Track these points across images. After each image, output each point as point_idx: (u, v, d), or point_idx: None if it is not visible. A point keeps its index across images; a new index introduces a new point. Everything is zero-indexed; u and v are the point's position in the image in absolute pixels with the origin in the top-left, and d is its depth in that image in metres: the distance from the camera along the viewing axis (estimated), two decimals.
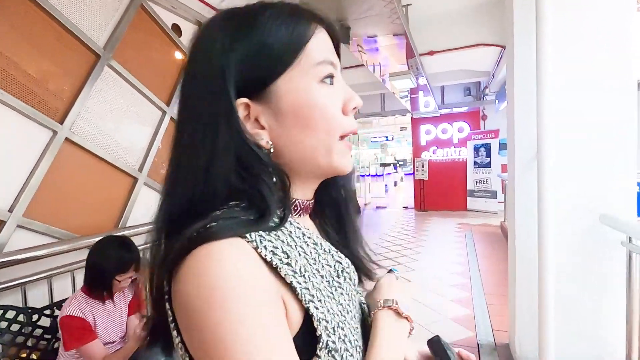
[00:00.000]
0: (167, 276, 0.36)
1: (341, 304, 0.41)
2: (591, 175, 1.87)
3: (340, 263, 0.45)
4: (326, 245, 0.46)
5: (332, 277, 0.43)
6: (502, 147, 8.14)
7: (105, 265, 1.40)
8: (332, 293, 0.41)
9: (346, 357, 0.38)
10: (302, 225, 0.45)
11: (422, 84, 8.39)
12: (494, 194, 7.93)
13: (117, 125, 2.32)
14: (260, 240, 0.36)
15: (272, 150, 0.41)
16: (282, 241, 0.39)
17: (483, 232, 6.10)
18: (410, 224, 7.31)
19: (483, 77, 6.06)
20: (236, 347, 0.31)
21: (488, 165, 8.04)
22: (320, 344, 0.36)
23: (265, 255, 0.36)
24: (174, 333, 0.37)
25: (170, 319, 0.37)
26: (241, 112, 0.40)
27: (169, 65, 2.78)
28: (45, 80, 1.93)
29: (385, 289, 0.51)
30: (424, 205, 8.83)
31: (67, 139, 2.01)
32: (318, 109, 0.40)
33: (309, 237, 0.43)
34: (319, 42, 0.42)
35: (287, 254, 0.38)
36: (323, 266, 0.42)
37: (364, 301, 0.53)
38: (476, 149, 8.23)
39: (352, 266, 0.48)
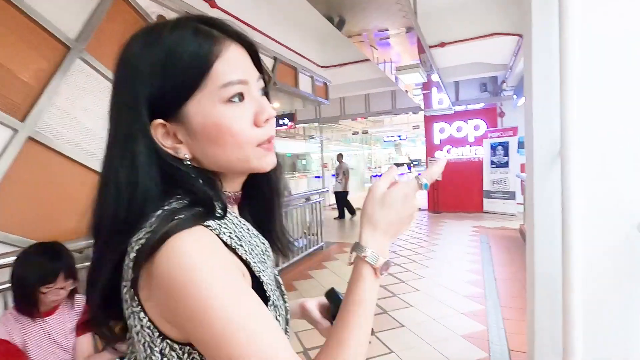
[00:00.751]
0: (138, 267, 0.40)
1: (268, 275, 0.50)
2: (626, 176, 1.57)
3: (264, 244, 0.54)
4: (253, 230, 0.53)
5: (261, 255, 0.51)
6: (521, 145, 7.69)
7: (25, 275, 1.22)
8: (264, 266, 0.50)
9: (280, 311, 0.50)
10: (235, 214, 0.52)
11: (435, 80, 8.07)
12: (512, 195, 7.51)
13: (92, 123, 2.12)
14: (219, 227, 0.44)
15: (189, 162, 0.47)
16: (231, 228, 0.46)
17: (500, 236, 5.73)
18: (422, 227, 6.98)
19: (500, 70, 5.68)
20: (224, 312, 0.37)
21: (506, 164, 7.62)
22: (270, 301, 0.47)
23: (226, 240, 0.43)
24: (141, 315, 0.41)
25: (135, 304, 0.41)
26: (160, 130, 0.45)
27: None
28: (2, 74, 1.76)
29: (374, 214, 0.51)
30: (438, 206, 8.46)
31: (30, 138, 1.84)
32: (224, 128, 0.45)
33: (243, 224, 0.51)
34: (227, 61, 0.45)
35: (238, 237, 0.46)
36: (255, 247, 0.51)
37: (277, 273, 0.59)
38: (493, 148, 7.82)
39: (270, 247, 0.57)
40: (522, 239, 5.40)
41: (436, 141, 8.58)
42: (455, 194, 8.34)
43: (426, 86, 8.26)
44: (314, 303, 0.67)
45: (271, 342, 0.38)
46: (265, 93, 0.52)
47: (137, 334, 0.42)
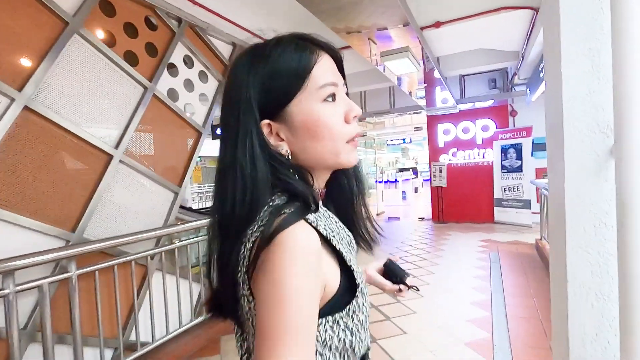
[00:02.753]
0: (256, 255, 0.46)
1: (354, 263, 0.55)
2: None
3: (349, 236, 0.59)
4: (340, 223, 0.58)
5: (347, 245, 0.55)
6: (537, 147, 6.83)
7: None
8: (350, 257, 0.54)
9: (366, 297, 0.55)
10: (324, 208, 0.57)
11: (437, 77, 7.30)
12: (526, 204, 6.64)
13: (90, 98, 2.15)
14: (316, 220, 0.50)
15: (289, 156, 0.54)
16: (325, 221, 0.52)
17: (513, 254, 4.88)
18: (423, 240, 6.17)
19: (510, 60, 4.89)
20: (289, 313, 0.42)
21: (519, 169, 6.76)
22: (358, 287, 0.52)
23: (322, 232, 0.49)
24: (249, 299, 0.48)
25: (246, 287, 0.49)
26: (266, 130, 0.53)
27: (154, 38, 2.58)
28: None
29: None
30: (443, 216, 7.63)
31: (26, 107, 1.84)
32: (321, 123, 0.53)
33: (331, 217, 0.56)
34: (322, 67, 0.53)
35: (331, 229, 0.52)
36: (342, 238, 0.55)
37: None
38: (504, 151, 6.97)
39: (354, 238, 0.61)
40: (540, 256, 4.56)
41: (440, 144, 7.77)
42: (462, 202, 7.49)
43: (428, 84, 7.51)
44: (374, 269, 0.83)
45: (306, 347, 0.43)
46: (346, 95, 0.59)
47: (246, 313, 0.50)
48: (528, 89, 4.90)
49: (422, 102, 7.43)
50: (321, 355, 0.49)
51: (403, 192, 12.05)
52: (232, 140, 0.51)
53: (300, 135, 0.53)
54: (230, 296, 0.51)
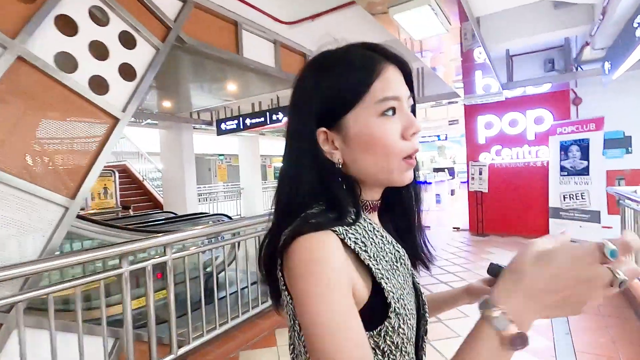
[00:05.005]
0: (281, 254, 0.49)
1: (399, 282, 0.53)
2: None
3: (399, 252, 0.57)
4: (389, 237, 0.57)
5: (392, 262, 0.54)
6: (610, 144, 5.36)
7: None
8: (393, 273, 0.53)
9: (406, 320, 0.51)
10: (372, 221, 0.57)
11: (479, 61, 6.00)
12: (594, 216, 5.19)
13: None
14: (346, 233, 0.49)
15: (340, 165, 0.54)
16: (360, 234, 0.51)
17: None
18: (458, 258, 4.96)
19: (580, 25, 3.59)
20: (316, 306, 0.44)
21: (584, 171, 5.32)
22: (391, 308, 0.49)
23: (350, 244, 0.48)
24: (285, 293, 0.51)
25: (281, 283, 0.51)
26: (322, 137, 0.53)
27: None
28: None
29: (523, 269, 0.42)
30: (483, 227, 6.31)
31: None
32: (376, 138, 0.51)
33: (377, 231, 0.55)
34: (384, 80, 0.52)
35: (364, 243, 0.51)
36: (387, 253, 0.54)
37: (417, 280, 0.61)
38: (564, 148, 5.55)
39: (407, 254, 0.58)
40: (622, 293, 3.24)
41: (480, 140, 6.44)
42: (508, 210, 6.14)
43: (466, 67, 6.23)
44: (480, 283, 0.69)
45: (341, 348, 0.42)
46: (413, 110, 0.57)
47: (285, 306, 0.53)
48: (607, 64, 3.57)
49: (459, 91, 6.18)
50: None
51: (437, 194, 10.71)
52: (289, 144, 0.55)
53: (353, 147, 0.53)
54: (273, 290, 0.56)
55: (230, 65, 3.10)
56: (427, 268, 0.65)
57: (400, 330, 0.49)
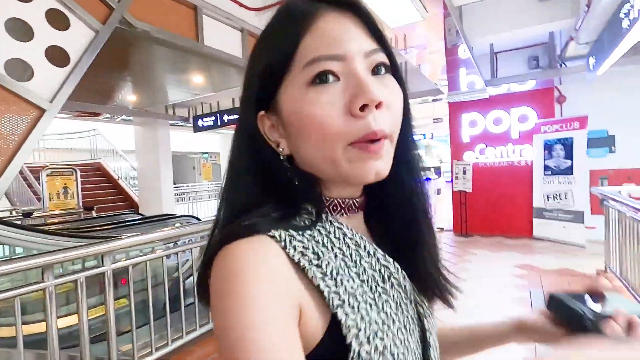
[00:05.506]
0: (208, 265, 0.37)
1: (385, 312, 0.38)
2: None
3: (388, 268, 0.41)
4: (371, 247, 0.41)
5: (376, 283, 0.40)
6: (594, 143, 5.28)
7: None
8: (373, 299, 0.38)
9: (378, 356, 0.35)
10: (346, 225, 0.42)
11: (464, 57, 5.90)
12: (578, 216, 5.11)
13: None
14: (290, 240, 0.36)
15: (284, 156, 0.41)
16: (317, 242, 0.38)
17: (565, 290, 3.45)
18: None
19: (564, 18, 3.45)
20: (236, 329, 0.31)
21: (568, 171, 5.23)
22: (351, 353, 0.34)
23: (293, 256, 0.35)
24: None
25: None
26: (267, 123, 0.41)
27: None
28: None
29: None
30: (467, 227, 6.19)
31: None
32: (306, 116, 0.37)
33: (350, 238, 0.41)
34: (317, 34, 0.37)
35: (318, 255, 0.37)
36: (365, 270, 0.40)
37: (428, 312, 0.45)
38: (548, 147, 5.46)
39: (403, 272, 0.42)
40: None
41: (465, 138, 6.31)
42: (492, 211, 6.03)
43: (452, 64, 6.09)
44: (537, 317, 0.51)
45: None
46: (398, 78, 0.41)
47: None
48: (592, 59, 3.43)
49: (445, 89, 6.04)
50: None
51: None
52: (234, 135, 0.44)
53: (291, 132, 0.39)
54: None
55: (192, 55, 2.83)
56: (446, 302, 0.46)
57: None
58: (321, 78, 0.36)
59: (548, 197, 5.47)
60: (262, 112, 0.40)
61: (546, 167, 5.51)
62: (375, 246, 0.42)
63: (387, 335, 0.36)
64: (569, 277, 3.87)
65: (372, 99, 0.35)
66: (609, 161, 5.35)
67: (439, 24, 6.08)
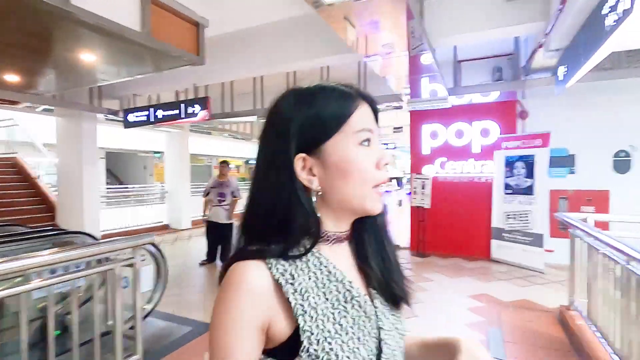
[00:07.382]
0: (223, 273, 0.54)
1: (340, 324, 0.52)
2: None
3: (350, 292, 0.55)
4: (340, 275, 0.55)
5: (339, 301, 0.53)
6: (555, 162, 5.01)
7: None
8: (332, 314, 0.52)
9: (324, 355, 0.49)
10: (325, 255, 0.56)
11: (426, 63, 5.42)
12: (537, 239, 4.80)
13: None
14: (276, 265, 0.52)
15: (319, 192, 0.56)
16: (296, 266, 0.53)
17: (524, 331, 3.01)
18: None
19: (533, 22, 3.05)
20: (218, 335, 0.49)
21: (529, 191, 4.93)
22: (302, 348, 0.49)
23: (275, 276, 0.51)
24: None
25: None
26: (300, 163, 0.55)
27: None
28: None
29: None
30: (424, 246, 5.74)
31: None
32: (354, 164, 0.55)
33: (325, 267, 0.55)
34: (360, 114, 0.56)
35: (293, 276, 0.52)
36: (331, 291, 0.54)
37: (390, 333, 0.58)
38: (510, 164, 5.15)
39: (365, 296, 0.56)
40: (571, 341, 2.70)
41: (425, 150, 5.90)
42: (451, 229, 5.64)
43: (413, 70, 5.64)
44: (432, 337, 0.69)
45: None
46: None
47: None
48: (563, 68, 3.05)
49: (407, 97, 5.60)
50: None
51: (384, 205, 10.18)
52: (263, 171, 0.57)
53: (331, 174, 0.55)
54: None
55: (58, 20, 2.05)
56: (407, 303, 0.63)
57: None
58: (364, 141, 0.55)
59: (508, 217, 5.15)
60: (303, 155, 0.55)
61: (507, 185, 5.19)
62: (345, 274, 0.56)
63: (335, 341, 0.50)
64: (530, 312, 3.45)
65: (388, 161, 0.59)
66: (567, 181, 5.13)
67: (403, 31, 5.66)
